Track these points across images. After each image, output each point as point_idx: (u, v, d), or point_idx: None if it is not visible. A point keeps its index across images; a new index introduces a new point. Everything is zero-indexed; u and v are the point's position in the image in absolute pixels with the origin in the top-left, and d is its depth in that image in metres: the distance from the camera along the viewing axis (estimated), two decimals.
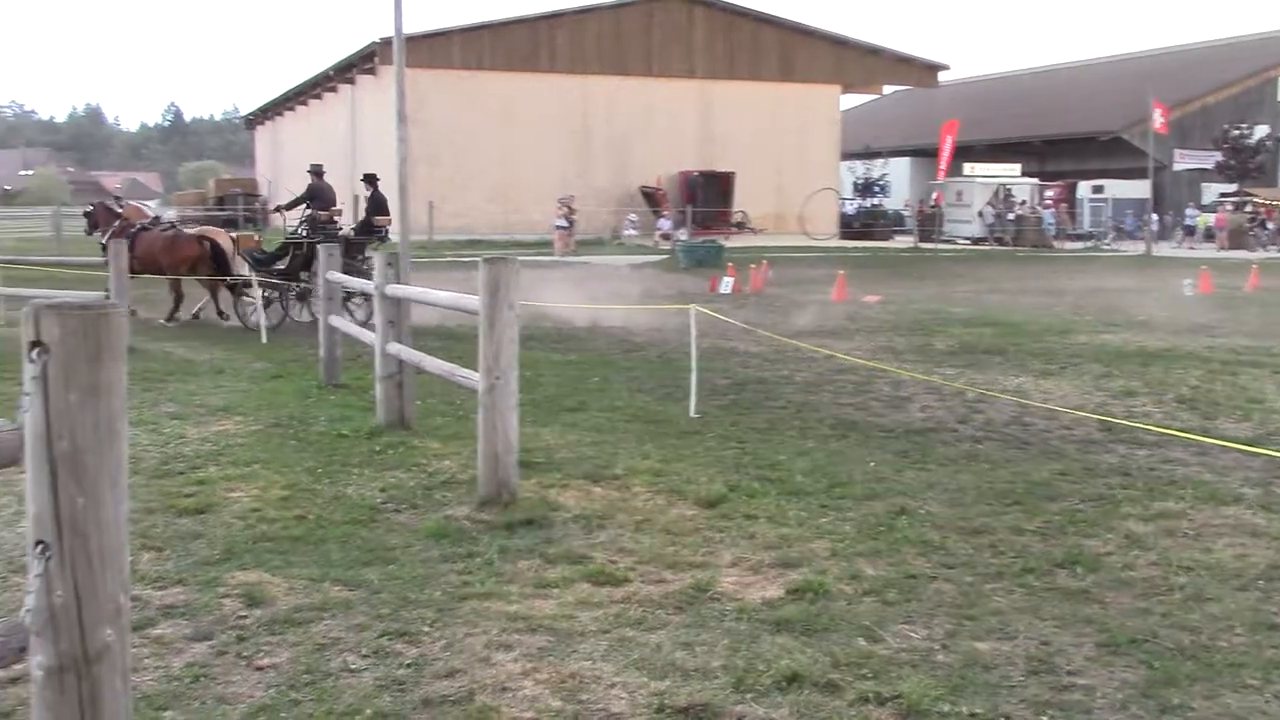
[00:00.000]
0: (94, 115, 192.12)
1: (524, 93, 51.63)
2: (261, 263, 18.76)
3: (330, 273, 12.17)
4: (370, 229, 19.22)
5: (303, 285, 18.19)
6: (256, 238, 20.30)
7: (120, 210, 21.86)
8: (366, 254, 18.28)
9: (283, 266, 18.59)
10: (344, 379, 12.21)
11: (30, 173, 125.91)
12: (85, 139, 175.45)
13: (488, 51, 51.08)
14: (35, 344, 2.91)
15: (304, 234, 18.72)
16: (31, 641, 2.97)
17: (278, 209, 20.95)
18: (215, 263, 18.88)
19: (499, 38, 51.40)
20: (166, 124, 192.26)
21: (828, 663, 4.86)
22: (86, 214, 23.32)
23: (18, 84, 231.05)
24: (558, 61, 51.97)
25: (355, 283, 12.39)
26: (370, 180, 19.67)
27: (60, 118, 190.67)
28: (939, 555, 6.39)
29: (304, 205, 19.38)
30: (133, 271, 18.64)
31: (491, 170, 51.18)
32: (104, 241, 20.55)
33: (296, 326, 17.66)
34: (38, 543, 2.95)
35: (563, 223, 41.92)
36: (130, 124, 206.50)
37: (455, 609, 5.47)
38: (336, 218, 19.28)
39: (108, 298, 13.20)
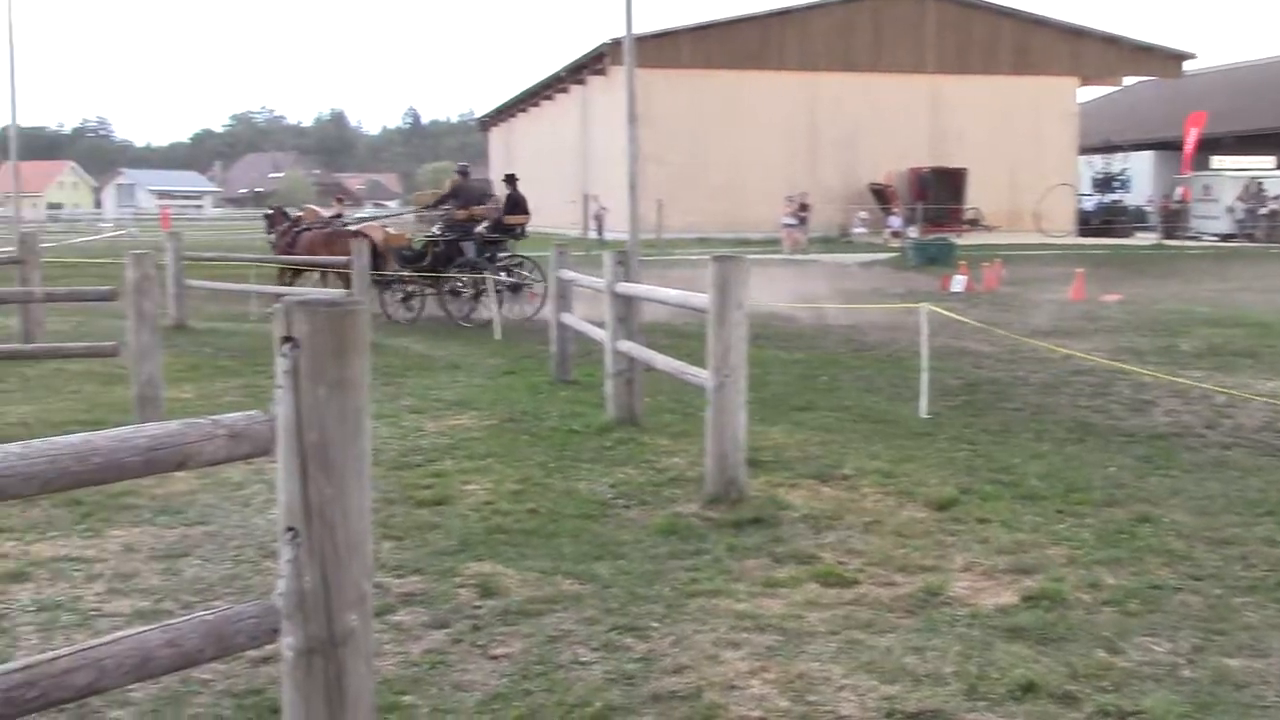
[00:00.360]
0: (338, 119, 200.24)
1: (752, 90, 51.58)
2: (408, 260, 19.37)
3: (561, 270, 12.39)
4: (504, 228, 19.71)
5: (447, 281, 18.87)
6: (407, 235, 20.91)
7: (299, 213, 23.16)
8: (504, 251, 19.52)
9: (425, 264, 19.16)
10: (575, 375, 12.41)
11: (279, 175, 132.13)
12: (330, 142, 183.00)
13: (716, 50, 51.21)
14: (286, 339, 3.04)
15: (439, 233, 19.43)
16: (282, 624, 3.10)
17: (424, 208, 21.79)
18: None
19: (727, 36, 51.47)
20: (406, 127, 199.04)
21: (1065, 673, 4.71)
22: (266, 216, 25.02)
23: (269, 91, 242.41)
24: (786, 59, 51.75)
25: (587, 280, 12.56)
26: (510, 180, 20.59)
27: (307, 122, 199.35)
28: (1185, 566, 6.12)
29: (446, 204, 20.10)
30: (296, 268, 19.90)
31: (719, 168, 51.30)
32: (273, 241, 22.47)
33: (516, 325, 18.02)
34: (288, 529, 3.08)
35: (791, 220, 41.74)
36: (372, 127, 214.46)
37: (684, 605, 5.50)
38: (481, 217, 19.73)
39: (351, 296, 13.74)
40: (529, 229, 20.46)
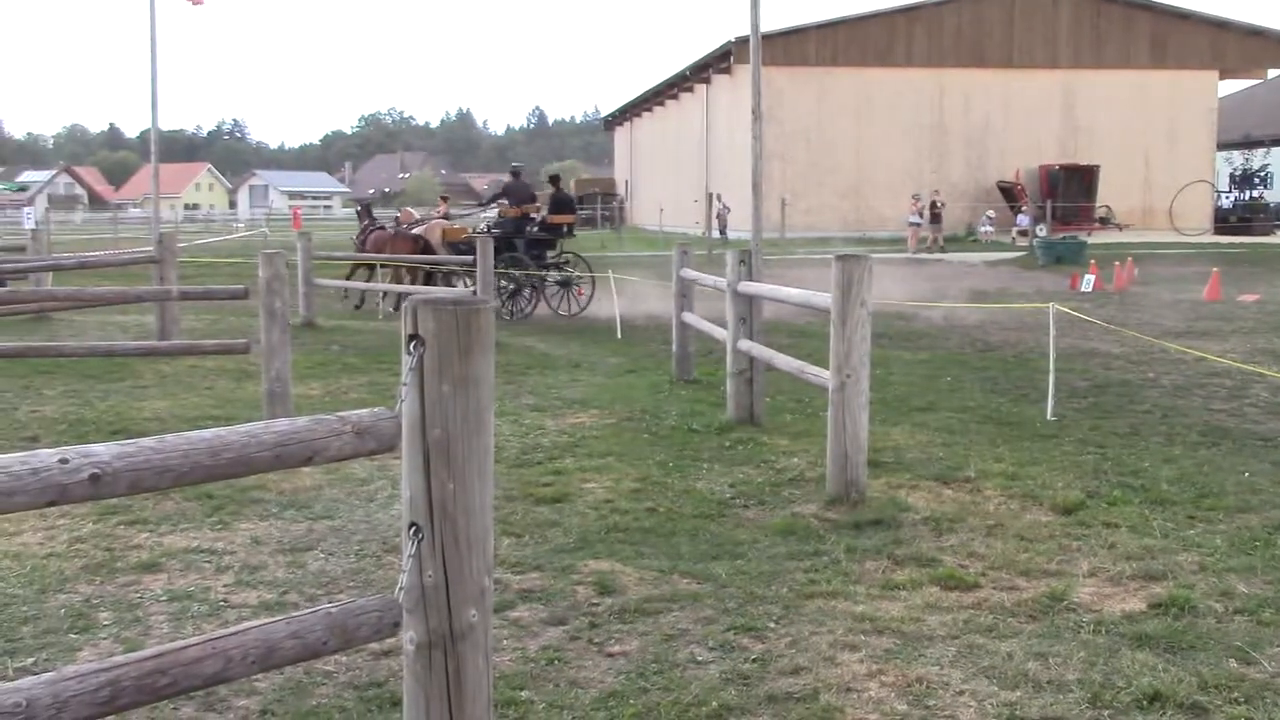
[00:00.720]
0: (465, 119, 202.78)
1: (879, 88, 51.13)
2: (462, 254, 19.57)
3: (683, 270, 12.41)
4: (551, 227, 20.37)
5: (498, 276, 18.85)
6: (468, 230, 21.55)
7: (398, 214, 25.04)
8: (552, 249, 20.32)
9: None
10: (696, 375, 12.43)
11: (407, 175, 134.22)
12: (457, 142, 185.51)
13: (842, 47, 50.85)
14: (413, 337, 3.10)
15: (489, 229, 20.06)
16: (404, 618, 3.16)
17: (481, 204, 22.50)
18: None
19: (854, 33, 51.07)
20: (531, 126, 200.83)
21: (1194, 683, 4.60)
22: (356, 214, 26.22)
23: (398, 92, 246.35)
24: (914, 55, 51.20)
25: (709, 280, 12.57)
26: (553, 181, 21.59)
27: (435, 123, 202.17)
28: None
29: (498, 202, 21.15)
30: (369, 265, 21.48)
31: (845, 166, 50.96)
32: (356, 239, 23.79)
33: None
34: (411, 525, 3.14)
35: (916, 218, 41.30)
36: (498, 127, 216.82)
37: (801, 606, 5.48)
38: (534, 214, 20.49)
39: (475, 294, 13.93)
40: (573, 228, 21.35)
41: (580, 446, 9.01)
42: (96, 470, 2.54)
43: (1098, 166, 50.44)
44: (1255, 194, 56.26)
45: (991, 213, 48.08)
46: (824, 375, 7.66)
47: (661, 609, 5.46)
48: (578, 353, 14.92)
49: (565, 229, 20.72)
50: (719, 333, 10.72)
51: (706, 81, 56.90)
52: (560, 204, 20.74)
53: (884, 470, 8.05)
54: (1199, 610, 5.41)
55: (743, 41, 43.81)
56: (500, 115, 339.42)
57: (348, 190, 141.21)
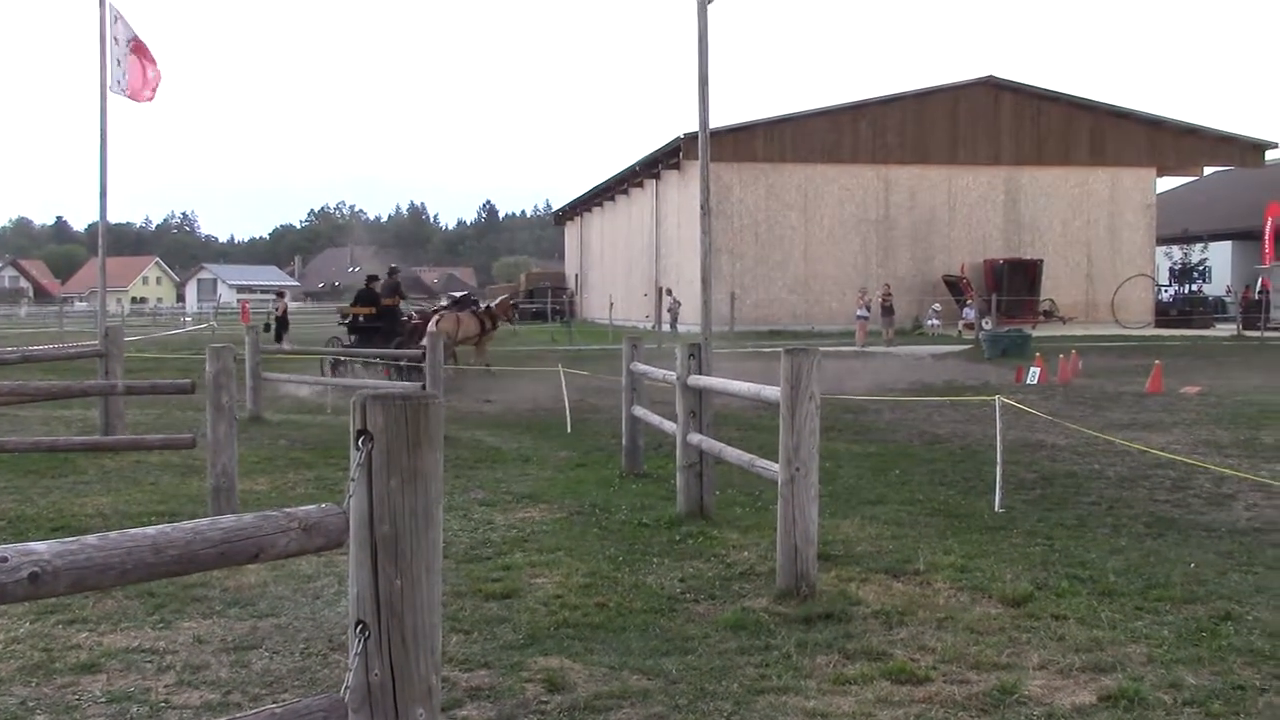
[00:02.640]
0: (415, 213, 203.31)
1: (826, 183, 51.91)
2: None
3: (634, 363, 12.46)
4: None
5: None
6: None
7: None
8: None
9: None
10: (645, 468, 12.42)
11: (357, 269, 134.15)
12: (408, 236, 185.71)
13: (790, 144, 51.63)
14: (361, 432, 3.09)
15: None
16: (350, 717, 3.11)
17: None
18: None
19: (801, 130, 51.90)
20: (482, 220, 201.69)
21: None
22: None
23: (349, 186, 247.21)
24: (860, 152, 52.06)
25: (659, 373, 12.62)
26: (369, 280, 26.30)
27: (385, 217, 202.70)
28: (1270, 666, 5.97)
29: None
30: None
31: (793, 260, 51.51)
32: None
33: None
34: (358, 622, 3.10)
35: (864, 312, 41.72)
36: (449, 220, 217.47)
37: (752, 702, 5.44)
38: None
39: (424, 388, 13.89)
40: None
41: (530, 541, 8.96)
42: (36, 569, 2.50)
43: (1041, 260, 51.28)
44: (1194, 288, 57.36)
45: (938, 306, 48.68)
46: (774, 468, 7.68)
47: (611, 706, 5.40)
48: (528, 446, 14.88)
49: (359, 319, 25.31)
50: (669, 426, 10.74)
51: (656, 177, 57.55)
52: (357, 298, 26.10)
53: (834, 563, 8.05)
54: (1148, 703, 5.42)
55: (692, 138, 44.20)
56: (451, 209, 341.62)
57: (297, 284, 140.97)
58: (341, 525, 3.15)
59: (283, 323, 32.61)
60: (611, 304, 56.27)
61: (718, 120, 44.38)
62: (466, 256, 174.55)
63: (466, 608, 7.01)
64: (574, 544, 8.82)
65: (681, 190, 52.63)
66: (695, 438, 9.86)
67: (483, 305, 28.54)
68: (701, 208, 19.55)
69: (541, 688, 5.64)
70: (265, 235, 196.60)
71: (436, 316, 26.35)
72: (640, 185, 61.30)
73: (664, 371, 11.35)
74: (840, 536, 8.96)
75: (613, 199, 69.36)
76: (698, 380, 9.96)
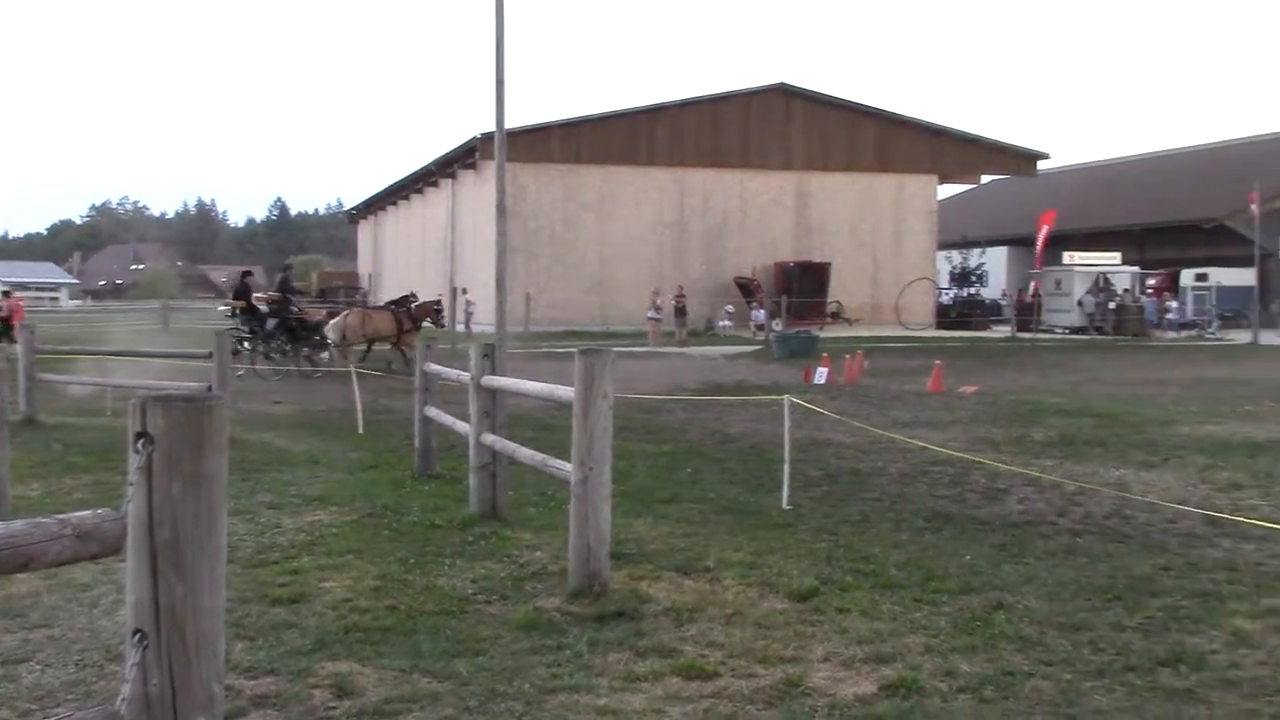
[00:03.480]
0: (204, 211, 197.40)
1: (622, 185, 52.28)
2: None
3: (427, 364, 12.36)
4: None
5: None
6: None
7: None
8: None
9: None
10: (438, 469, 12.33)
11: (141, 267, 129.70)
12: (195, 234, 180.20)
13: (586, 145, 51.83)
14: (141, 435, 3.00)
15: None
16: None
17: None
18: None
19: (598, 132, 52.15)
20: (273, 218, 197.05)
21: None
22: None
23: (132, 180, 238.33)
24: (655, 154, 52.57)
25: (452, 374, 12.54)
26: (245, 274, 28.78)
27: (171, 213, 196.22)
28: (1037, 652, 6.26)
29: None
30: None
31: (589, 262, 51.74)
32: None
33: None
34: (135, 631, 3.01)
35: (655, 313, 42.19)
36: (238, 218, 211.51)
37: (544, 702, 5.46)
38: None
39: (210, 389, 13.52)
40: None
41: (319, 544, 8.81)
42: None
43: (829, 264, 52.62)
44: (973, 291, 59.62)
45: (730, 307, 49.52)
46: (567, 468, 7.71)
47: (401, 710, 5.36)
48: (318, 448, 14.61)
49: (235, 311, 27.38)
50: (462, 427, 10.68)
51: (452, 176, 57.15)
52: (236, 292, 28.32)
53: (627, 562, 8.13)
54: (926, 690, 5.63)
55: (488, 138, 44.16)
56: (241, 207, 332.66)
57: (76, 281, 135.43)
58: (119, 531, 3.06)
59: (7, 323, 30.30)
60: None
61: (514, 121, 44.21)
62: (257, 255, 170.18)
63: (252, 613, 6.86)
64: (364, 546, 8.71)
65: (478, 190, 52.38)
66: (489, 438, 9.83)
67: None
68: (497, 208, 19.50)
69: (330, 693, 5.56)
70: (42, 231, 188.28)
71: (346, 313, 27.66)
72: (436, 185, 60.79)
73: (458, 372, 11.29)
74: (633, 535, 9.05)
75: (408, 198, 68.61)
76: (491, 381, 9.93)
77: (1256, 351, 39.68)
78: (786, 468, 10.98)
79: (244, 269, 29.48)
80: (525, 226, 50.17)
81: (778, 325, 42.15)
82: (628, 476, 11.85)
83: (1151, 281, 56.59)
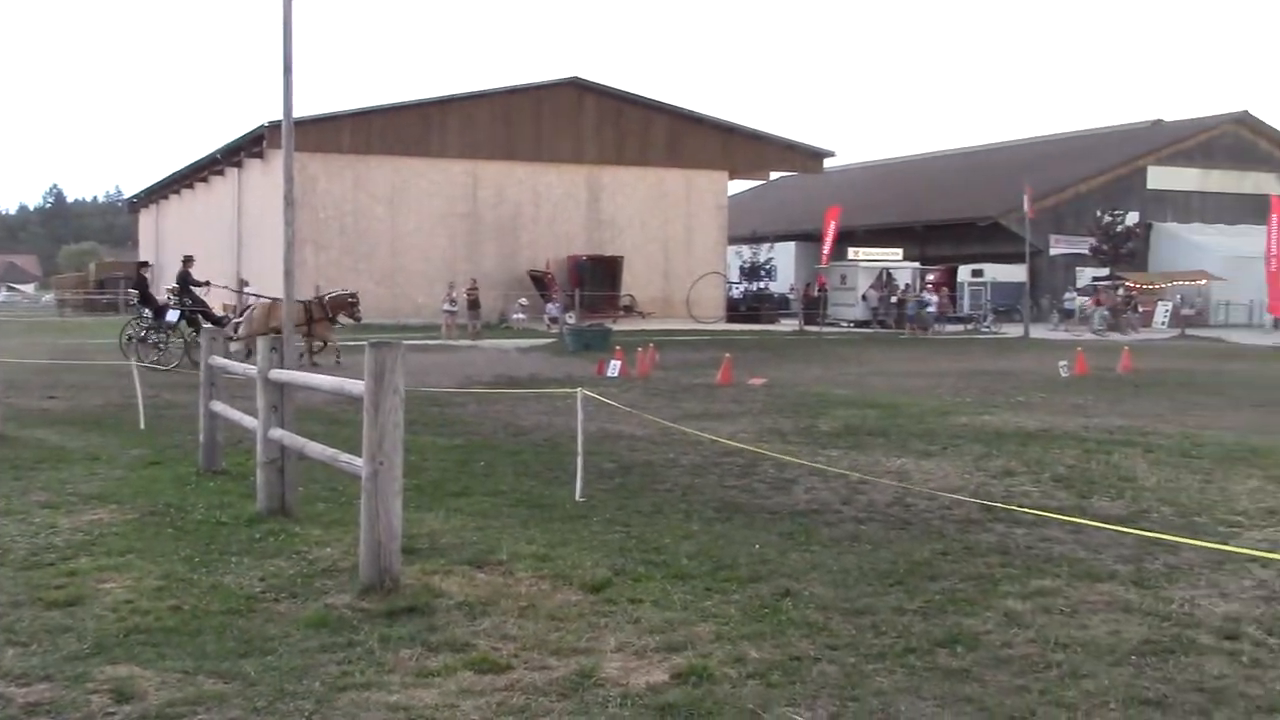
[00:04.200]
0: None
1: (413, 177, 51.75)
2: None
3: (212, 357, 12.02)
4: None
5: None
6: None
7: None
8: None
9: None
10: (224, 465, 12.01)
11: None
12: None
13: (377, 136, 51.13)
14: None
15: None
16: None
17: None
18: None
19: (389, 122, 51.50)
20: (47, 205, 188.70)
21: None
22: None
23: None
24: (448, 146, 52.17)
25: (239, 367, 12.23)
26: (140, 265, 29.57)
27: None
28: (823, 637, 6.42)
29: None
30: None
31: (380, 254, 51.06)
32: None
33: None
34: None
35: (450, 306, 41.88)
36: (9, 204, 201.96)
37: (334, 700, 5.37)
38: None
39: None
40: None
41: (97, 544, 8.48)
42: None
43: (622, 257, 53.06)
44: (762, 285, 60.92)
45: (524, 300, 49.48)
46: (357, 463, 7.59)
47: (185, 713, 5.20)
48: (96, 444, 14.07)
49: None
50: (249, 421, 10.42)
51: (239, 165, 55.71)
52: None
53: (418, 557, 8.04)
54: (716, 677, 5.72)
55: (276, 126, 43.22)
56: (12, 193, 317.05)
57: None
58: None
59: None
60: None
61: (303, 109, 43.40)
62: (30, 243, 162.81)
63: (25, 618, 6.57)
64: (146, 546, 8.42)
65: (265, 179, 51.15)
66: (277, 433, 9.61)
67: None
68: (285, 198, 19.08)
69: (109, 698, 5.36)
70: None
71: (251, 305, 28.26)
72: (222, 173, 59.15)
73: (245, 366, 11.01)
74: (425, 530, 8.96)
75: (192, 187, 66.59)
76: (279, 374, 9.71)
77: (1028, 345, 41.50)
78: (579, 460, 11.02)
79: (140, 260, 29.35)
80: (315, 217, 49.26)
81: (571, 318, 42.32)
82: (420, 471, 11.73)
83: (931, 277, 58.62)
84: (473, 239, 52.80)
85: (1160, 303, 56.18)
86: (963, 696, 5.52)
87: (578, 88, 54.38)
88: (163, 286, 29.41)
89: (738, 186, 69.66)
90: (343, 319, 28.98)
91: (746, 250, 61.60)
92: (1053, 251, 62.92)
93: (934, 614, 6.92)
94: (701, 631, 6.49)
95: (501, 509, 10.15)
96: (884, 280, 54.26)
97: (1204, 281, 58.95)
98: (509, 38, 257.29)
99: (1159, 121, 74.33)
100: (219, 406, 11.85)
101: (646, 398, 20.24)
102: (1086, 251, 60.70)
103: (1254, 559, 8.21)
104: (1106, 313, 50.72)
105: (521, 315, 48.19)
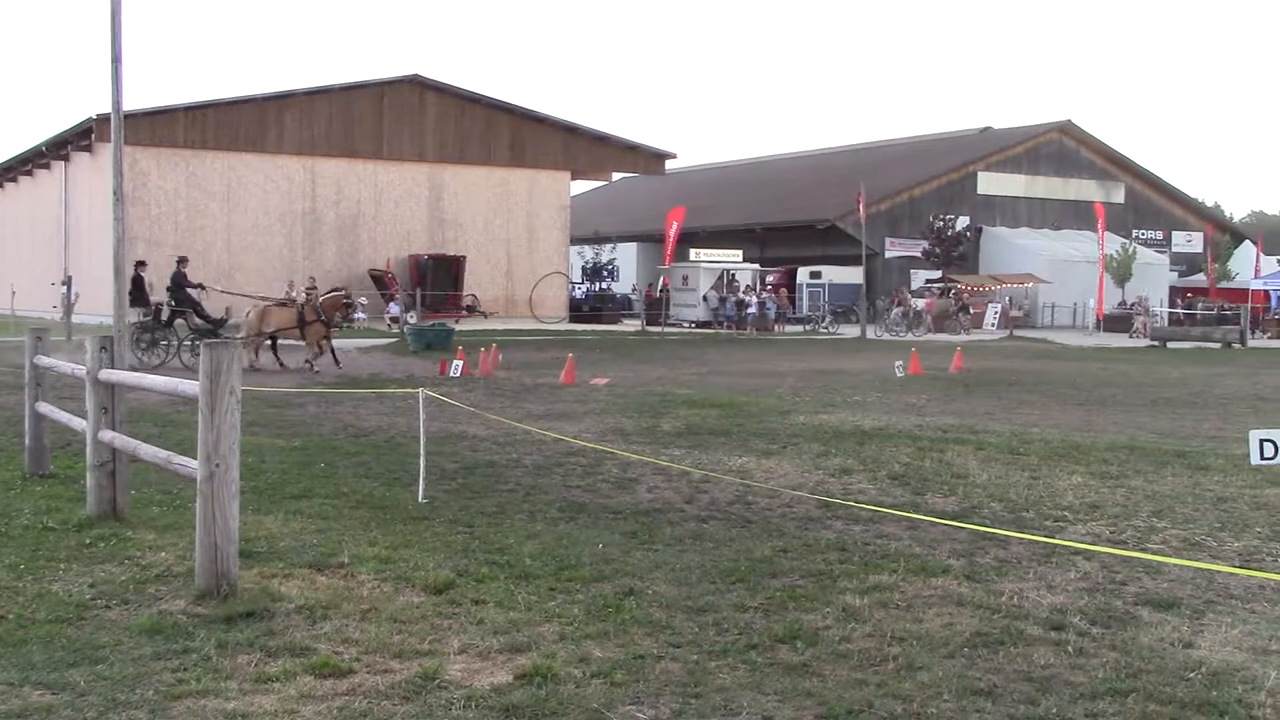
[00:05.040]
0: None
1: (251, 173, 50.73)
2: None
3: (38, 357, 11.61)
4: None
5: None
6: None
7: None
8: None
9: None
10: (52, 469, 11.62)
11: None
12: None
13: (213, 131, 49.98)
14: None
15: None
16: None
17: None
18: None
19: (225, 117, 50.38)
20: None
21: None
22: None
23: None
24: (285, 142, 51.26)
25: (68, 367, 11.82)
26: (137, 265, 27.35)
27: None
28: (666, 635, 6.47)
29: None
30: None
31: (216, 251, 49.92)
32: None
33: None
34: None
35: None
36: None
37: (169, 708, 5.24)
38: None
39: None
40: None
41: None
42: None
43: (464, 257, 52.74)
44: (604, 285, 61.13)
45: (364, 299, 48.83)
46: (193, 465, 7.41)
47: None
48: None
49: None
50: (78, 423, 10.10)
51: (65, 159, 53.89)
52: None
53: (257, 560, 7.89)
54: (560, 677, 5.72)
55: (105, 119, 41.83)
56: None
57: None
58: None
59: None
60: (13, 293, 52.05)
61: (134, 102, 42.21)
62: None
63: None
64: None
65: (94, 174, 49.60)
66: (107, 435, 9.33)
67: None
68: (115, 193, 18.51)
69: None
70: None
71: (248, 309, 27.96)
72: (47, 167, 57.14)
73: (73, 366, 10.66)
74: (264, 533, 8.80)
75: (15, 180, 64.17)
76: (110, 375, 9.42)
77: (864, 345, 42.40)
78: (422, 461, 10.93)
79: (138, 259, 28.62)
80: (147, 213, 48.00)
81: (412, 318, 41.91)
82: (258, 473, 11.52)
83: (770, 279, 59.52)
84: (312, 237, 51.98)
85: (990, 304, 57.93)
86: (803, 691, 5.62)
87: (419, 85, 53.89)
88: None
89: (581, 187, 69.87)
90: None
91: (589, 250, 61.78)
92: (888, 254, 64.44)
93: (775, 610, 7.02)
94: (545, 631, 6.49)
95: (343, 511, 10.01)
96: (725, 281, 54.91)
97: (1031, 284, 61.02)
98: (350, 34, 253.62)
99: (988, 129, 76.73)
100: (45, 408, 11.46)
101: (490, 398, 20.16)
102: (920, 255, 62.31)
103: (1078, 552, 8.52)
104: (899, 312, 51.89)
105: (362, 315, 47.55)
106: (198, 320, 26.60)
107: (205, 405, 7.13)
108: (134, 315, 26.77)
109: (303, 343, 26.89)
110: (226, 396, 7.12)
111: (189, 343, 25.06)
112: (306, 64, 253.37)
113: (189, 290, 27.20)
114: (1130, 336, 50.32)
